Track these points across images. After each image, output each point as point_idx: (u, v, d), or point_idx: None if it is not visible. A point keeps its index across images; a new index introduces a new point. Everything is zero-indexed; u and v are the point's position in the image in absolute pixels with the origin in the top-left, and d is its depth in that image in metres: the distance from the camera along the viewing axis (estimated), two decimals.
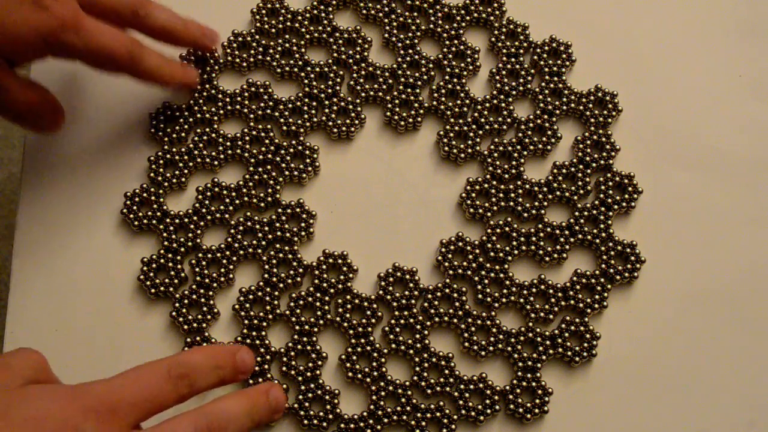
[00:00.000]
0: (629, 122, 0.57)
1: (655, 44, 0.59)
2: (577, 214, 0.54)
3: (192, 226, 0.54)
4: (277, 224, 0.54)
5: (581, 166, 0.55)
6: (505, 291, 0.53)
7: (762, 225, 0.55)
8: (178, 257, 0.53)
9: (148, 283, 0.53)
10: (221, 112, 0.56)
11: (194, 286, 0.53)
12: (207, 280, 0.53)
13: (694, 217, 0.55)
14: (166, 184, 0.55)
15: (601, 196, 0.55)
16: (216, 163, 0.55)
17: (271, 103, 0.56)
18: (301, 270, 0.53)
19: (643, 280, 0.54)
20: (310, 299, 0.53)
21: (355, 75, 0.57)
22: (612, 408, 0.52)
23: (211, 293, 0.53)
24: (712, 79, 0.58)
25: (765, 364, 0.53)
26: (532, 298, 0.53)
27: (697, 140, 0.57)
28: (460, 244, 0.54)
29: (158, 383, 0.42)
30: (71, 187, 0.56)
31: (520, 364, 0.52)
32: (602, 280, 0.53)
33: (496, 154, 0.55)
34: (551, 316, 0.53)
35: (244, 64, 0.57)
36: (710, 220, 0.55)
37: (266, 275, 0.53)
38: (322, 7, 0.58)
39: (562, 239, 0.54)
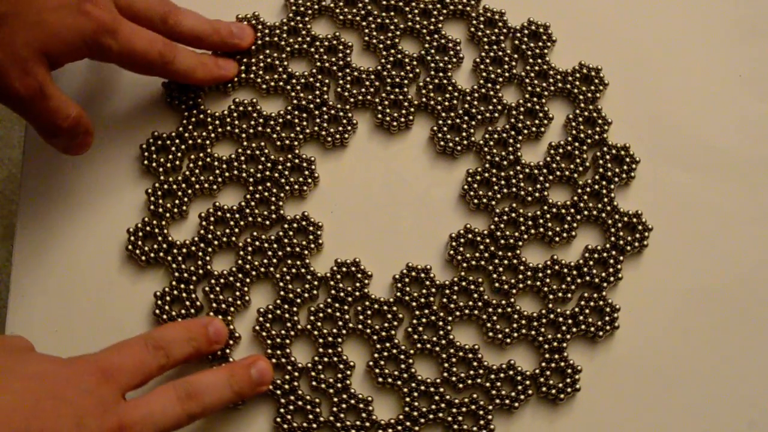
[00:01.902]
0: (628, 121, 0.57)
1: (655, 43, 0.59)
2: (579, 191, 0.55)
3: (200, 254, 0.53)
4: (285, 240, 0.54)
5: (576, 144, 0.56)
6: (520, 276, 0.53)
7: (761, 224, 0.55)
8: (191, 286, 0.53)
9: (164, 316, 0.52)
10: (212, 135, 0.56)
11: (211, 313, 0.52)
12: (223, 306, 0.52)
13: (693, 217, 0.55)
14: (167, 214, 0.54)
15: (600, 170, 0.55)
16: (215, 187, 0.55)
17: (261, 120, 0.56)
18: (315, 282, 0.53)
19: (640, 280, 0.54)
20: (329, 310, 0.52)
21: (341, 81, 0.57)
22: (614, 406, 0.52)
23: (229, 318, 0.52)
24: (712, 79, 0.58)
25: (765, 363, 0.53)
26: (548, 280, 0.53)
27: (697, 139, 0.57)
28: (470, 236, 0.54)
29: (139, 353, 0.46)
30: (71, 187, 0.55)
31: (546, 346, 0.52)
32: (614, 252, 0.53)
33: (491, 143, 0.56)
34: (569, 295, 0.53)
35: (228, 84, 0.57)
36: (709, 220, 0.55)
37: (282, 292, 0.53)
38: (298, 18, 0.58)
39: (568, 218, 0.54)
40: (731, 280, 0.54)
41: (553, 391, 0.51)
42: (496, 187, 0.55)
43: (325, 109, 0.56)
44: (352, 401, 0.51)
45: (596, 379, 0.52)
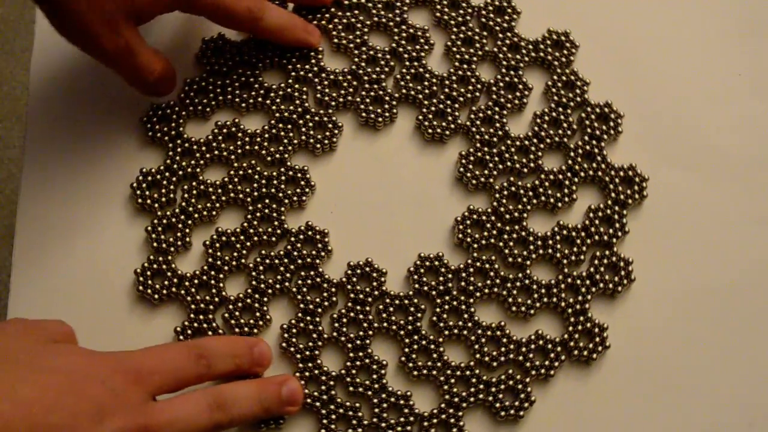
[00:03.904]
0: (627, 120, 0.57)
1: (654, 43, 0.59)
2: (572, 154, 0.56)
3: (212, 282, 0.53)
4: (295, 252, 0.53)
5: (560, 109, 0.56)
6: (531, 247, 0.54)
7: (760, 223, 0.55)
8: (209, 315, 0.52)
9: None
10: (201, 161, 0.55)
11: None
12: (246, 328, 0.52)
13: (691, 216, 0.55)
14: (171, 248, 0.54)
15: (588, 130, 0.56)
16: (213, 213, 0.54)
17: (246, 139, 0.56)
18: (333, 289, 0.53)
19: (638, 280, 0.54)
20: (351, 314, 0.52)
21: (318, 87, 0.57)
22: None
23: (255, 331, 0.52)
24: (711, 78, 0.58)
25: (764, 364, 0.53)
26: (558, 246, 0.54)
27: (696, 139, 0.57)
28: (474, 216, 0.54)
29: (179, 358, 0.46)
30: (71, 187, 0.55)
31: (569, 310, 0.53)
32: (616, 208, 0.54)
33: (477, 122, 0.56)
34: (581, 257, 0.54)
35: (208, 109, 0.56)
36: (708, 219, 0.55)
37: (301, 305, 0.52)
38: None
39: (566, 182, 0.55)
40: (731, 280, 0.54)
41: (585, 353, 0.52)
42: (491, 165, 0.55)
43: (308, 116, 0.56)
44: (392, 399, 0.51)
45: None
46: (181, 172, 0.55)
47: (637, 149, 0.56)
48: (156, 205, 0.54)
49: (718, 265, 0.54)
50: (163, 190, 0.55)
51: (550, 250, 0.54)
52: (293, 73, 0.57)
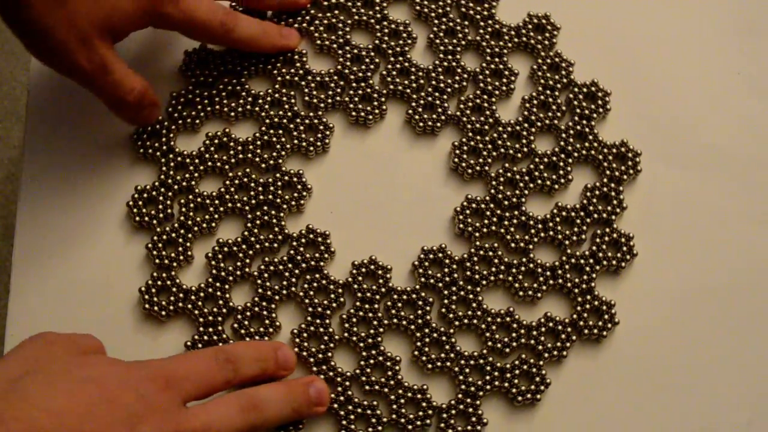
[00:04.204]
0: (625, 119, 0.57)
1: (653, 41, 0.59)
2: (563, 135, 0.56)
3: (218, 293, 0.53)
4: (298, 257, 0.53)
5: (548, 92, 0.57)
6: (532, 231, 0.54)
7: (760, 222, 0.55)
8: (219, 327, 0.52)
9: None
10: (195, 174, 0.55)
11: None
12: (256, 337, 0.52)
13: (690, 215, 0.55)
14: (174, 263, 0.53)
15: (577, 110, 0.56)
16: (212, 224, 0.54)
17: (239, 147, 0.55)
18: (339, 290, 0.53)
19: (638, 279, 0.54)
20: (360, 314, 0.52)
21: (306, 90, 0.57)
22: (613, 404, 0.52)
23: (266, 338, 0.52)
24: (710, 77, 0.58)
25: (763, 363, 0.53)
26: (559, 228, 0.54)
27: (695, 137, 0.57)
28: (474, 205, 0.54)
29: (208, 364, 0.46)
30: (71, 188, 0.55)
31: (575, 290, 0.53)
32: (612, 185, 0.55)
33: (467, 111, 0.56)
34: (583, 236, 0.54)
35: (197, 121, 0.56)
36: (707, 218, 0.55)
37: (309, 308, 0.52)
38: None
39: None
40: (730, 279, 0.54)
41: (595, 331, 0.52)
42: (484, 153, 0.56)
43: (298, 120, 0.56)
44: (409, 394, 0.51)
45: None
46: (176, 187, 0.55)
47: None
48: (154, 221, 0.54)
49: (717, 264, 0.55)
50: (160, 206, 0.54)
51: (551, 233, 0.54)
52: (279, 78, 0.57)
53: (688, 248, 0.55)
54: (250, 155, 0.55)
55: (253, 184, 0.55)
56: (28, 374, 0.41)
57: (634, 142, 0.56)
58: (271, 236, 0.54)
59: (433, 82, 0.57)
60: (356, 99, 0.57)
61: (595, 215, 0.54)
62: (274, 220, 0.54)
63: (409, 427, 0.50)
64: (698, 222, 0.55)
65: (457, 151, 0.56)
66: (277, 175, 0.55)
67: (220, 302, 0.53)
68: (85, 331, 0.48)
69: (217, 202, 0.54)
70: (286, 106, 0.56)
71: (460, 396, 0.51)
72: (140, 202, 0.54)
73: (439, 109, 0.57)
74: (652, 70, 0.59)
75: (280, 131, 0.56)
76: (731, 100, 0.58)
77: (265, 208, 0.54)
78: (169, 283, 0.53)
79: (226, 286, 0.53)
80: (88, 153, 0.56)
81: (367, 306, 0.53)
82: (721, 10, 0.60)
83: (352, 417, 0.51)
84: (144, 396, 0.42)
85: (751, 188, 0.56)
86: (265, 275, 0.53)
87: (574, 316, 0.53)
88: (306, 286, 0.53)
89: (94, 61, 0.49)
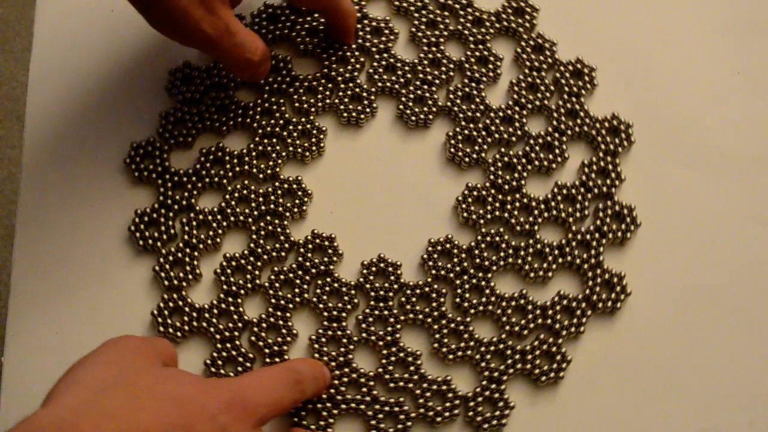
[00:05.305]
0: (625, 118, 0.57)
1: (653, 41, 0.59)
2: (555, 114, 0.56)
3: (232, 308, 0.53)
4: (307, 263, 0.53)
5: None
6: (535, 212, 0.54)
7: (760, 222, 0.55)
8: (236, 342, 0.52)
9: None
10: (194, 191, 0.55)
11: (267, 360, 0.52)
12: (275, 347, 0.52)
13: (692, 215, 0.55)
14: (183, 283, 0.53)
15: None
16: (217, 240, 0.54)
17: (235, 160, 0.55)
18: (352, 291, 0.53)
19: (642, 278, 0.54)
20: (375, 312, 0.52)
21: (295, 96, 0.57)
22: (612, 406, 0.52)
23: (285, 357, 0.52)
24: (711, 77, 0.58)
25: (765, 363, 0.53)
26: (561, 206, 0.54)
27: (695, 137, 0.57)
28: (475, 192, 0.55)
29: (280, 387, 0.46)
30: (71, 188, 0.55)
31: (585, 266, 0.53)
32: (608, 158, 0.55)
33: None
34: (585, 212, 0.54)
35: (189, 138, 0.56)
36: (708, 218, 0.55)
37: (325, 312, 0.52)
38: None
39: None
40: (730, 279, 0.54)
41: (609, 304, 0.53)
42: (479, 140, 0.56)
43: (291, 126, 0.56)
44: (433, 386, 0.51)
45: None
46: (176, 206, 0.54)
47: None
48: (158, 243, 0.54)
49: (717, 263, 0.54)
50: (162, 228, 0.54)
51: (554, 212, 0.54)
52: (267, 87, 0.57)
53: (688, 248, 0.55)
54: (246, 167, 0.55)
55: (253, 196, 0.55)
56: (113, 387, 0.40)
57: (634, 143, 0.56)
58: (277, 245, 0.54)
59: (420, 75, 0.57)
60: (346, 100, 0.57)
61: (596, 190, 0.55)
62: (279, 229, 0.54)
63: (438, 419, 0.51)
64: (698, 222, 0.55)
65: (452, 141, 0.56)
66: (276, 183, 0.55)
67: (235, 317, 0.52)
68: (84, 323, 0.49)
69: (219, 217, 0.54)
70: (277, 114, 0.56)
71: (484, 383, 0.51)
72: (141, 226, 0.54)
73: (430, 102, 0.57)
74: (653, 71, 0.58)
75: (274, 139, 0.56)
76: (731, 100, 0.58)
77: (268, 217, 0.54)
78: (180, 303, 0.53)
79: (239, 300, 0.53)
80: (87, 153, 0.55)
81: (381, 304, 0.53)
82: (720, 10, 0.59)
83: (380, 416, 0.51)
84: (221, 426, 0.41)
85: (751, 188, 0.56)
86: (276, 285, 0.53)
87: (587, 291, 0.53)
88: (318, 291, 0.53)
89: (218, 26, 0.49)
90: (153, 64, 0.58)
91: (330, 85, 0.57)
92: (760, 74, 0.58)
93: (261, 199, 0.54)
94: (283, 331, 0.52)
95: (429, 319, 0.52)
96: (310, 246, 0.54)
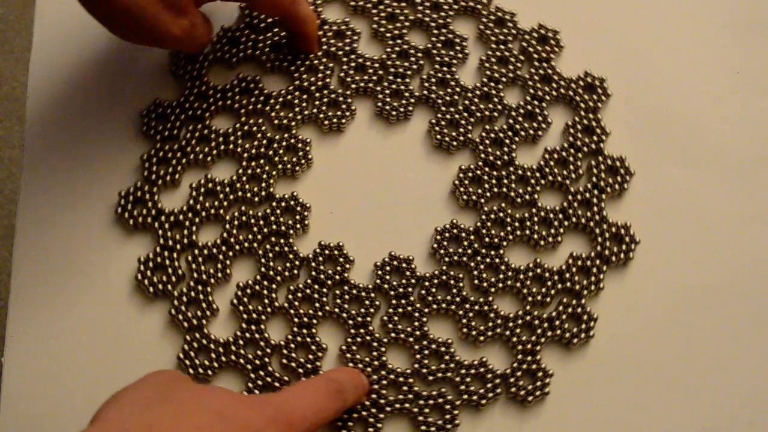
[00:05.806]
0: (625, 119, 0.57)
1: (653, 41, 0.59)
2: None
3: (256, 335, 0.52)
4: (321, 276, 0.53)
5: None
6: (531, 181, 0.55)
7: (759, 221, 0.55)
8: (269, 368, 0.52)
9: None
10: (193, 227, 0.54)
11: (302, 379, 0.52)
12: (308, 365, 0.52)
13: (691, 215, 0.55)
14: (203, 321, 0.53)
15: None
16: (227, 271, 0.53)
17: (227, 189, 0.55)
18: (372, 294, 0.53)
19: (639, 277, 0.54)
20: (399, 310, 0.53)
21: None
22: (610, 406, 0.53)
23: (318, 363, 0.52)
24: (710, 76, 0.58)
25: (765, 362, 0.53)
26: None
27: (695, 137, 0.57)
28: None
29: (322, 398, 0.46)
30: (71, 187, 0.55)
31: (590, 223, 0.54)
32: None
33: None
34: (580, 171, 0.55)
35: (176, 175, 0.55)
36: (707, 217, 0.55)
37: (350, 321, 0.52)
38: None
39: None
40: (730, 278, 0.54)
41: (621, 256, 0.54)
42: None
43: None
44: (471, 371, 0.51)
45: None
46: (178, 246, 0.54)
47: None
48: (168, 286, 0.53)
49: (718, 263, 0.55)
50: (169, 270, 0.53)
51: (549, 177, 0.55)
52: (243, 110, 0.56)
53: (687, 248, 0.55)
54: (239, 193, 0.55)
55: (252, 220, 0.54)
56: (158, 402, 0.39)
57: (633, 141, 0.57)
58: (287, 264, 0.53)
59: (392, 70, 0.57)
60: (323, 107, 0.57)
61: (584, 148, 0.56)
62: (286, 248, 0.54)
63: (482, 401, 0.51)
64: (697, 221, 0.55)
65: (437, 128, 0.56)
66: (273, 203, 0.55)
67: (261, 343, 0.52)
68: (84, 323, 0.49)
69: (223, 248, 0.54)
70: (259, 135, 0.56)
71: (519, 357, 0.52)
72: (147, 272, 0.53)
73: (406, 93, 0.57)
74: (652, 70, 0.59)
75: (261, 160, 0.55)
76: (730, 100, 0.58)
77: (272, 238, 0.54)
78: (204, 341, 0.52)
79: (261, 327, 0.52)
80: (87, 153, 0.55)
81: (402, 301, 0.53)
82: (719, 9, 0.60)
83: (426, 410, 0.51)
84: None
85: (751, 187, 0.56)
86: (295, 303, 0.53)
87: (597, 247, 0.54)
88: (338, 300, 0.53)
89: (184, 26, 0.50)
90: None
91: (305, 96, 0.57)
92: (760, 74, 0.58)
93: (261, 222, 0.54)
94: (312, 347, 0.52)
95: (452, 306, 0.53)
96: (320, 258, 0.53)
